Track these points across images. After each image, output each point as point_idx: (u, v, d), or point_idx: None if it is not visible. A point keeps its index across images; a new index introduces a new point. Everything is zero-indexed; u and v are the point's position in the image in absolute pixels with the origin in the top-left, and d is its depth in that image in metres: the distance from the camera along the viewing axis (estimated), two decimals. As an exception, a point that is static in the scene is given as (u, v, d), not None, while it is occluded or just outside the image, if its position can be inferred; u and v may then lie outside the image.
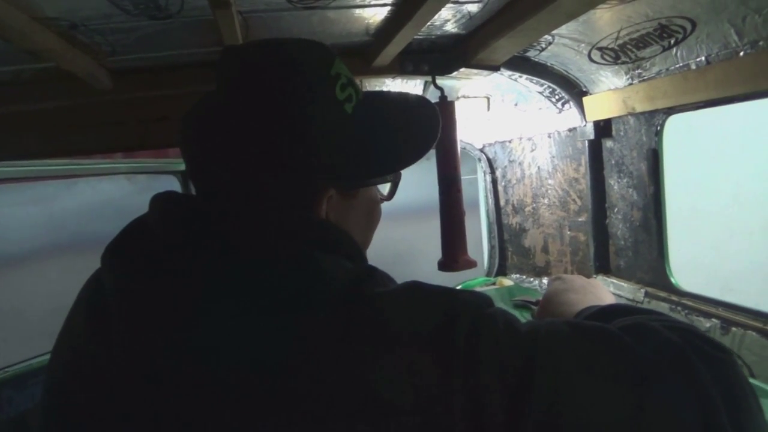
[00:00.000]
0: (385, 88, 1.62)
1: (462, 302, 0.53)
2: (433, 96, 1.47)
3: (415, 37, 1.21)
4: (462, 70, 1.34)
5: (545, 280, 1.82)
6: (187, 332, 0.52)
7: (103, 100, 1.31)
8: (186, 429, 0.50)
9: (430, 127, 0.75)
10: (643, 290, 1.35)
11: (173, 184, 2.08)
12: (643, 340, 0.53)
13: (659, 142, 1.26)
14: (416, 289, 0.55)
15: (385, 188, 0.80)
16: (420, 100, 0.79)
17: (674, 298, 1.26)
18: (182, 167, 1.96)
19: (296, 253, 0.56)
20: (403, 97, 0.79)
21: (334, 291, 0.53)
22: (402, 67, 1.33)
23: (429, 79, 1.43)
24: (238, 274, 0.54)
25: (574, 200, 1.65)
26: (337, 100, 0.64)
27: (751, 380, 0.72)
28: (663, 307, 1.27)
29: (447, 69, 1.34)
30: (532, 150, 1.80)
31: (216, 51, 1.14)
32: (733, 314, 1.10)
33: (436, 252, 1.49)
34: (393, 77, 1.45)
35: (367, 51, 1.28)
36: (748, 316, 1.07)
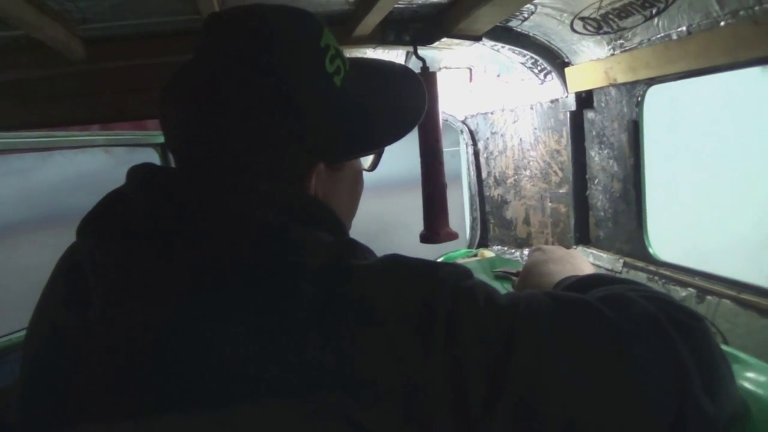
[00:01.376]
0: (366, 59, 1.60)
1: (442, 276, 0.54)
2: (414, 67, 1.45)
3: (397, 5, 1.19)
4: (444, 40, 1.32)
5: (527, 252, 1.84)
6: (167, 306, 0.52)
7: (77, 70, 1.27)
8: (167, 405, 0.49)
9: (418, 99, 0.75)
10: (621, 260, 1.37)
11: (152, 157, 2.05)
12: (620, 310, 0.54)
13: (640, 113, 1.26)
14: (396, 262, 0.55)
15: (367, 159, 0.80)
16: (406, 71, 0.78)
17: (652, 268, 1.28)
18: (161, 140, 1.94)
19: (276, 227, 0.56)
20: (389, 67, 0.78)
21: (312, 265, 0.52)
22: (383, 36, 1.31)
23: (410, 49, 1.41)
24: (218, 247, 0.53)
25: (555, 172, 1.65)
26: (326, 73, 0.63)
27: (724, 347, 0.74)
28: (641, 277, 1.29)
29: (429, 39, 1.32)
30: (514, 122, 1.80)
31: (193, 19, 1.12)
32: (708, 283, 1.12)
33: (418, 224, 1.50)
34: (374, 47, 1.43)
35: (348, 20, 1.26)
36: (723, 284, 1.09)
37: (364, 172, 0.78)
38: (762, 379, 0.65)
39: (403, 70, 0.78)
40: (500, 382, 0.49)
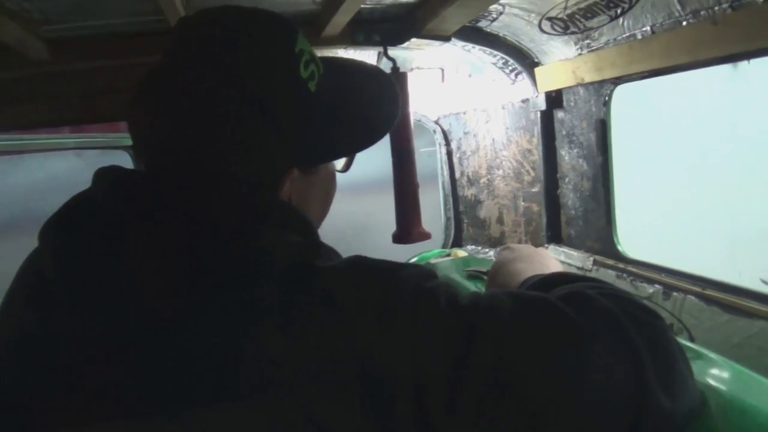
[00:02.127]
0: (337, 59, 1.59)
1: (403, 276, 0.54)
2: (385, 67, 1.45)
3: (365, 5, 1.19)
4: (414, 40, 1.32)
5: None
6: (132, 312, 0.51)
7: (42, 72, 1.25)
8: (127, 411, 0.48)
9: (391, 103, 0.74)
10: (591, 258, 1.38)
11: (124, 160, 2.01)
12: (580, 308, 0.54)
13: (607, 112, 1.27)
14: (359, 263, 0.55)
15: (340, 161, 0.79)
16: (380, 73, 0.77)
17: (621, 265, 1.29)
18: (132, 142, 1.90)
19: (247, 232, 0.55)
20: (363, 69, 0.77)
21: (279, 266, 0.52)
22: (353, 37, 1.30)
23: (381, 49, 1.41)
24: (186, 252, 0.52)
25: (527, 171, 1.66)
26: (301, 79, 0.62)
27: (688, 344, 0.75)
28: (610, 275, 1.31)
29: (398, 39, 1.32)
30: (487, 121, 1.80)
31: (157, 20, 1.10)
32: (674, 280, 1.14)
33: (393, 225, 1.49)
34: (344, 48, 1.42)
35: (316, 20, 1.25)
36: (688, 281, 1.11)
37: (338, 173, 0.78)
38: (724, 375, 0.66)
39: (376, 73, 0.78)
40: (461, 379, 0.49)
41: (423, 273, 0.56)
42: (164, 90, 0.60)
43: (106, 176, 0.59)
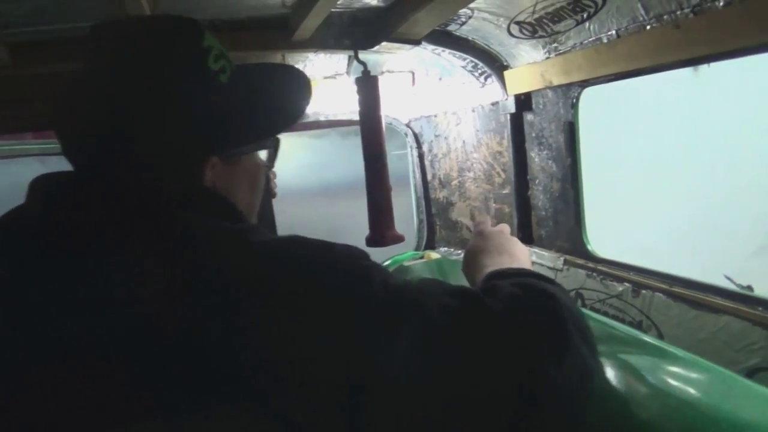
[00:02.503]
0: (308, 63, 1.58)
1: (337, 255, 0.58)
2: (356, 71, 1.45)
3: (335, 9, 1.19)
4: (385, 44, 1.32)
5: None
6: (68, 321, 0.51)
7: (3, 76, 1.22)
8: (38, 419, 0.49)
9: (300, 95, 0.81)
10: (562, 258, 1.41)
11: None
12: (495, 298, 0.61)
13: (575, 114, 1.29)
14: (295, 240, 0.59)
15: (265, 155, 0.84)
16: (290, 70, 0.84)
17: (590, 264, 1.31)
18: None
19: (174, 219, 0.57)
20: (275, 67, 0.84)
21: (212, 252, 0.54)
22: (323, 41, 1.30)
23: (351, 53, 1.41)
24: (118, 249, 0.54)
25: (498, 173, 1.68)
26: (211, 71, 0.67)
27: (660, 343, 0.77)
28: (580, 274, 1.33)
29: (369, 43, 1.32)
30: (457, 124, 1.82)
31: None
32: (642, 278, 1.16)
33: (366, 228, 1.49)
34: (315, 51, 1.42)
35: (286, 24, 1.24)
36: (656, 278, 1.13)
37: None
38: (692, 373, 0.67)
39: (287, 69, 0.84)
40: (386, 359, 0.52)
41: (356, 252, 0.60)
42: (84, 95, 0.64)
43: (37, 183, 0.62)
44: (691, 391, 0.62)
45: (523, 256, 0.86)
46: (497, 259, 0.83)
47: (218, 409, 0.50)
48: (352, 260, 0.58)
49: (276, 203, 1.70)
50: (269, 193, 1.63)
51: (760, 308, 0.92)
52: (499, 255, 0.84)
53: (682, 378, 0.65)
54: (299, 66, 1.59)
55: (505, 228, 0.93)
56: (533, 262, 1.52)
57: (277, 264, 0.55)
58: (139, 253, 0.53)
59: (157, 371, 0.49)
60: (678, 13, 0.93)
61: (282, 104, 0.77)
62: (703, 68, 2.69)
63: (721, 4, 0.84)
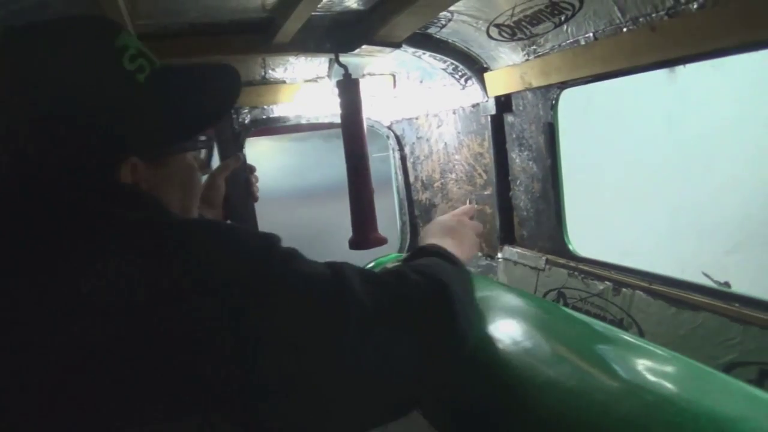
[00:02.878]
0: (288, 66, 1.58)
1: (247, 239, 0.61)
2: (337, 74, 1.45)
3: (316, 13, 1.19)
4: (365, 47, 1.33)
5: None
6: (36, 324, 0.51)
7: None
8: None
9: (225, 93, 0.78)
10: (544, 258, 1.42)
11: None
12: (402, 282, 0.68)
13: (555, 115, 1.31)
14: (208, 226, 0.62)
15: (199, 157, 0.84)
16: (220, 67, 0.80)
17: (572, 263, 1.32)
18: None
19: (91, 214, 0.58)
20: (202, 66, 0.80)
21: (134, 245, 0.56)
22: (304, 44, 1.30)
23: (332, 56, 1.41)
24: (39, 249, 0.55)
25: (479, 174, 1.69)
26: (125, 71, 0.66)
27: (640, 340, 0.78)
28: (562, 273, 1.34)
29: (349, 46, 1.32)
30: (439, 126, 1.83)
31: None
32: (623, 276, 1.17)
33: (349, 231, 1.49)
34: (296, 55, 1.42)
35: (267, 28, 1.24)
36: (636, 277, 1.15)
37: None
38: (671, 369, 0.68)
39: (214, 67, 0.81)
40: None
41: (268, 238, 0.63)
42: None
43: None
44: (671, 386, 0.63)
45: (466, 240, 0.99)
46: (440, 239, 0.94)
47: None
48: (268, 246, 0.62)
49: (258, 207, 1.69)
50: (251, 197, 1.63)
51: (737, 304, 0.94)
52: (443, 236, 0.95)
53: (662, 374, 0.66)
54: (280, 70, 1.59)
55: (467, 210, 1.08)
56: (515, 262, 1.53)
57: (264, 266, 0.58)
58: (101, 257, 0.54)
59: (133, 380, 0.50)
60: (653, 15, 0.94)
61: (204, 103, 0.76)
62: (680, 70, 2.73)
63: (695, 6, 0.86)
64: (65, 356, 0.50)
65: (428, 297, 0.68)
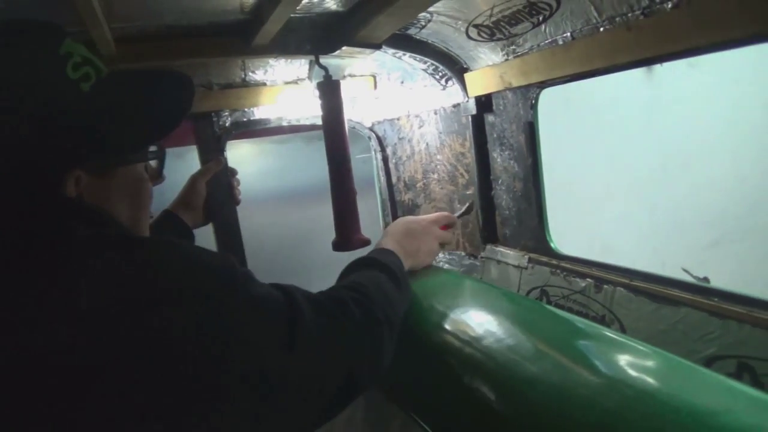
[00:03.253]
0: (269, 69, 1.58)
1: (210, 259, 0.62)
2: (318, 75, 1.45)
3: (295, 14, 1.18)
4: (345, 48, 1.33)
5: (440, 255, 1.87)
6: None
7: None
8: None
9: (178, 102, 0.75)
10: (527, 256, 1.43)
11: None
12: (343, 311, 0.75)
13: (534, 115, 1.32)
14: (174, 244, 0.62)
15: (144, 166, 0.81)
16: (171, 74, 0.77)
17: (554, 261, 1.33)
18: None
19: (32, 231, 0.57)
20: (152, 73, 0.77)
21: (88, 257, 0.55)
22: (283, 46, 1.30)
23: (312, 58, 1.41)
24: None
25: (461, 174, 1.70)
26: (68, 80, 0.64)
27: (621, 336, 0.79)
28: (544, 271, 1.35)
29: (329, 47, 1.32)
30: (420, 127, 1.83)
31: (80, 31, 1.05)
32: (604, 273, 1.19)
33: (332, 232, 1.49)
34: (275, 57, 1.41)
35: (246, 30, 1.24)
36: (617, 273, 1.16)
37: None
38: (651, 364, 0.69)
39: (164, 74, 0.78)
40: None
41: (224, 262, 0.63)
42: None
43: None
44: (651, 381, 0.64)
45: (424, 247, 1.07)
46: (397, 242, 1.03)
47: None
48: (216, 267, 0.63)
49: (240, 210, 1.68)
50: (233, 200, 1.62)
51: (716, 298, 0.96)
52: (402, 239, 1.04)
53: (643, 369, 0.67)
54: (260, 72, 1.59)
55: (440, 218, 1.16)
56: (498, 261, 1.54)
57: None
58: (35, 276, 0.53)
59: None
60: (629, 15, 0.95)
61: (154, 112, 0.73)
62: (657, 69, 2.77)
63: (670, 6, 0.87)
64: (36, 364, 0.50)
65: (360, 333, 0.75)
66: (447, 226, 1.20)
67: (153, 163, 0.82)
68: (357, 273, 0.91)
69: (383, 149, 2.03)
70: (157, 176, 0.82)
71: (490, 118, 1.50)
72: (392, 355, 0.83)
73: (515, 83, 1.30)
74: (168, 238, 0.63)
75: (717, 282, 1.28)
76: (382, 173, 2.06)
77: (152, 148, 0.79)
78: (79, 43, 0.66)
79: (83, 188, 0.64)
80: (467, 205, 1.49)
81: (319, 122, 1.44)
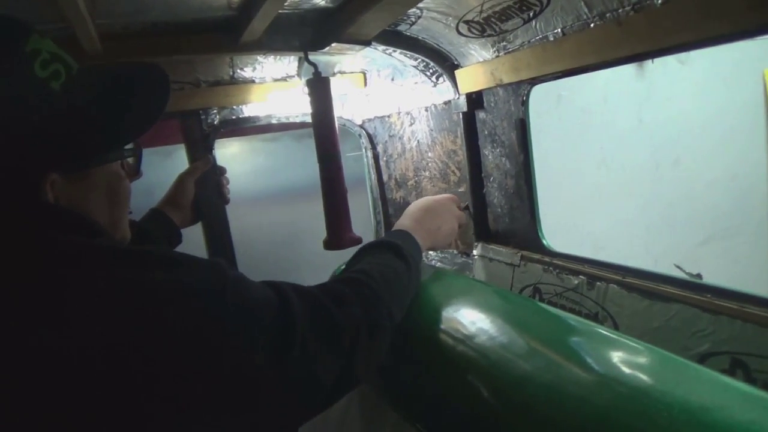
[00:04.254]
0: (257, 66, 1.57)
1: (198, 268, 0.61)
2: (307, 72, 1.45)
3: (283, 11, 1.18)
4: (335, 45, 1.32)
5: (432, 253, 1.87)
6: None
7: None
8: None
9: (153, 99, 0.73)
10: (519, 254, 1.43)
11: None
12: (340, 309, 0.74)
13: (526, 111, 1.32)
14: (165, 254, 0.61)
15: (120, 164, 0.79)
16: (144, 68, 0.75)
17: (546, 259, 1.34)
18: None
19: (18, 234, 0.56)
20: (124, 67, 0.75)
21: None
22: (271, 43, 1.29)
23: (302, 55, 1.40)
24: None
25: (453, 172, 1.70)
26: (37, 78, 0.61)
27: (614, 333, 0.79)
28: (537, 269, 1.35)
29: (318, 44, 1.32)
30: (411, 124, 1.83)
31: (61, 27, 1.04)
32: (597, 270, 1.19)
33: (323, 231, 1.49)
34: (263, 54, 1.41)
35: (234, 26, 1.23)
36: (610, 270, 1.16)
37: None
38: (646, 363, 0.69)
39: (137, 68, 0.75)
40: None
41: (211, 273, 0.61)
42: None
43: None
44: (644, 378, 0.64)
45: (445, 225, 1.07)
46: (416, 221, 1.03)
47: None
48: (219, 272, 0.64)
49: (230, 210, 1.67)
50: (222, 199, 1.61)
51: (709, 295, 0.96)
52: (421, 218, 1.04)
53: (635, 366, 0.67)
54: (248, 69, 1.58)
55: (456, 199, 1.18)
56: (491, 259, 1.54)
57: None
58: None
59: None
60: (620, 11, 0.96)
61: (130, 110, 0.70)
62: (648, 65, 2.79)
63: (659, 1, 0.87)
64: (37, 371, 0.49)
65: (359, 332, 0.74)
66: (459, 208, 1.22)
67: (130, 159, 0.80)
68: (368, 257, 0.90)
69: (374, 147, 2.02)
70: (135, 173, 0.80)
71: (481, 115, 1.50)
72: (387, 347, 0.83)
73: (506, 80, 1.30)
74: (151, 247, 0.61)
75: (710, 279, 1.28)
76: (372, 171, 2.06)
77: (129, 146, 0.77)
78: (46, 38, 0.63)
79: (59, 191, 0.62)
80: (465, 206, 1.49)
81: (309, 120, 1.43)
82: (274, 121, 1.75)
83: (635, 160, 2.85)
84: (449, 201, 1.10)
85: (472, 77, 1.43)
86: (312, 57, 1.38)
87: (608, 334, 0.78)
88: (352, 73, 1.75)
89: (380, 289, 0.81)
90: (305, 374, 0.66)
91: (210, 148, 1.63)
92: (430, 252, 1.90)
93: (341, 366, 0.71)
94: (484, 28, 1.25)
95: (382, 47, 1.43)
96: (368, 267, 0.85)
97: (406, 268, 0.90)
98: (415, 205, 1.07)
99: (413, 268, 0.93)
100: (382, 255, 0.90)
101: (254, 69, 1.59)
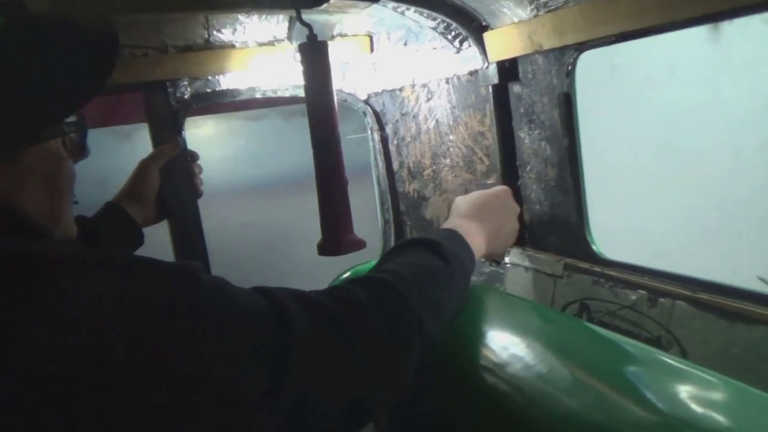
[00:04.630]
0: (238, 27, 1.57)
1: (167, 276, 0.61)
2: (300, 35, 1.45)
3: (270, -41, 1.18)
4: (334, 2, 1.32)
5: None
6: None
7: None
8: None
9: (99, 58, 0.72)
10: (562, 262, 1.43)
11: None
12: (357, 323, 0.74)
13: (572, 84, 1.31)
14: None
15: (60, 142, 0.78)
16: (91, 24, 0.74)
17: (597, 269, 1.33)
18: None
19: None
20: (65, 23, 0.74)
21: None
22: (256, -1, 1.29)
23: (293, 13, 1.40)
24: None
25: (480, 159, 1.69)
26: None
27: (682, 362, 0.79)
28: (584, 281, 1.35)
29: (314, 0, 1.32)
30: (428, 99, 1.83)
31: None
32: (660, 283, 1.18)
33: (318, 233, 1.49)
34: (247, 13, 1.41)
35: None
36: (677, 284, 1.16)
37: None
38: (723, 400, 0.69)
39: (83, 25, 0.74)
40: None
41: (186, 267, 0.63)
42: None
43: None
44: (720, 419, 0.64)
45: (507, 225, 1.13)
46: (471, 222, 1.03)
47: None
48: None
49: (202, 205, 1.68)
50: (194, 191, 1.62)
51: (801, 315, 0.95)
52: (476, 216, 1.07)
53: (710, 404, 0.66)
54: (227, 31, 1.58)
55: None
56: (527, 268, 1.54)
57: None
58: None
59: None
60: (692, -43, 0.95)
61: (69, 73, 0.69)
62: (725, 26, 2.77)
63: (743, -54, 0.87)
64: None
65: (378, 350, 0.74)
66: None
67: (72, 135, 0.79)
68: (398, 257, 0.89)
69: (382, 128, 2.03)
70: (80, 152, 0.79)
71: (515, 88, 1.49)
72: (415, 369, 0.82)
73: (547, 45, 1.30)
74: (104, 252, 0.62)
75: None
76: (380, 158, 2.06)
77: (70, 119, 0.76)
78: None
79: None
80: None
81: (301, 94, 1.43)
82: (258, 96, 1.76)
83: (709, 145, 2.84)
84: (507, 194, 1.09)
85: (505, 41, 1.42)
86: (306, 16, 1.38)
87: (674, 363, 0.78)
88: (355, 36, 1.75)
89: (410, 293, 0.80)
90: (306, 407, 0.65)
91: (179, 129, 1.63)
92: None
93: (352, 394, 0.71)
94: (521, -21, 1.24)
95: (392, 4, 1.43)
96: (398, 267, 0.84)
97: (446, 269, 0.89)
98: (465, 200, 1.07)
99: (457, 272, 0.91)
100: (415, 252, 0.89)
101: (234, 31, 1.59)
